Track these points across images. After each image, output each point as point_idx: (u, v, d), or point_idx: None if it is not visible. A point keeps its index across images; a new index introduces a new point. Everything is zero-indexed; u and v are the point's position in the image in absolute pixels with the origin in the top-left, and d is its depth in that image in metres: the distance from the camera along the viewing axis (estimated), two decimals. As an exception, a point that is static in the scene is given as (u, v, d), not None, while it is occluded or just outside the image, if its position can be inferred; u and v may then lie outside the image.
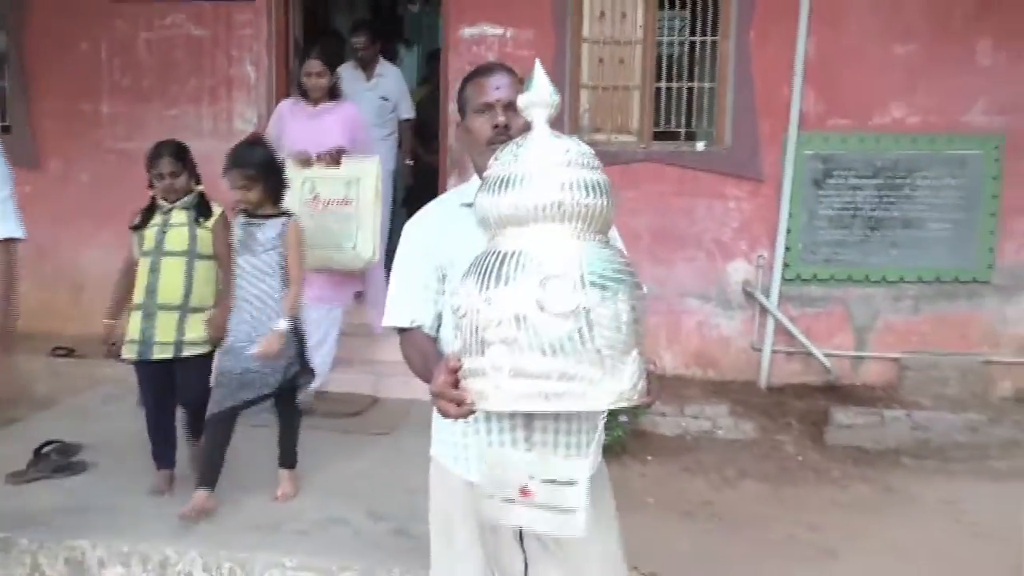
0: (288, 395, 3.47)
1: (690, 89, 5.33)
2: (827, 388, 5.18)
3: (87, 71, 5.65)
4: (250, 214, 3.40)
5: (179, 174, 3.39)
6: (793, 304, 5.26)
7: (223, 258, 3.44)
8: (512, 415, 1.83)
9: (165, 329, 3.35)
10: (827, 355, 5.20)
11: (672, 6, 5.34)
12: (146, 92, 5.60)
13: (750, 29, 5.12)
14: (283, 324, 3.28)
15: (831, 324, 5.26)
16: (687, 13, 5.34)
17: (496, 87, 1.87)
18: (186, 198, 3.43)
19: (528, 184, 1.58)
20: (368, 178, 4.39)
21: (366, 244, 4.38)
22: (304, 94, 4.62)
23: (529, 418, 1.83)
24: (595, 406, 1.53)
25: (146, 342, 3.34)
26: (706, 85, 5.33)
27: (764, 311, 5.23)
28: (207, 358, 3.42)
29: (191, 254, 3.39)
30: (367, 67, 5.71)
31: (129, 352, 3.38)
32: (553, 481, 1.60)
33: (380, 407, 4.80)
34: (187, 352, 3.36)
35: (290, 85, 5.65)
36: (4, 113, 5.97)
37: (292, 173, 4.01)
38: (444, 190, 5.42)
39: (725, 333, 5.34)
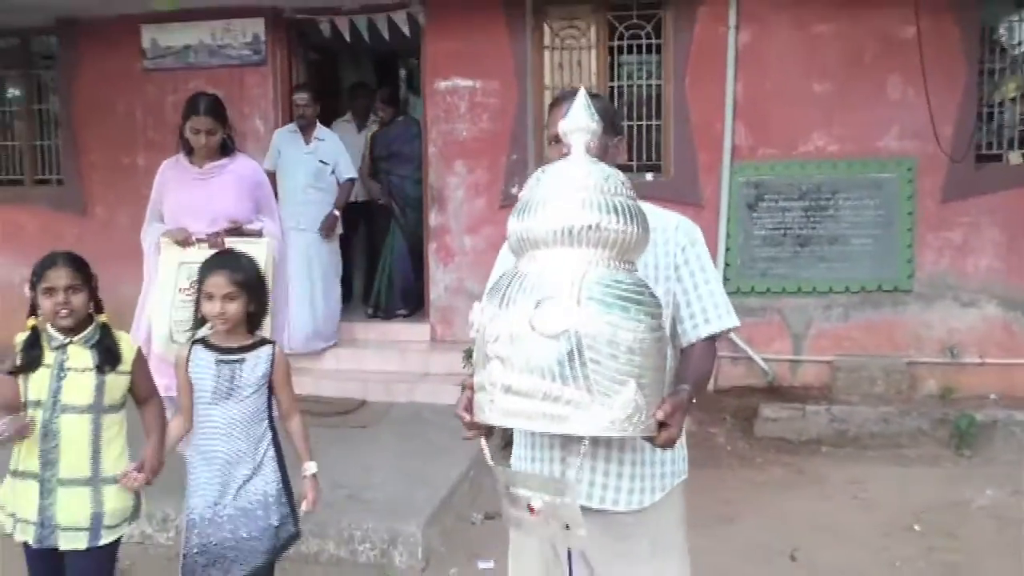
0: (272, 565, 2.78)
1: (639, 127, 6.05)
2: (767, 389, 5.77)
3: (125, 129, 6.59)
4: (214, 347, 2.68)
5: (78, 290, 2.54)
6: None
7: (146, 402, 2.74)
8: (548, 436, 1.92)
9: (72, 510, 2.53)
10: (766, 360, 5.80)
11: (621, 53, 6.08)
12: (174, 146, 6.49)
13: (686, 74, 5.82)
14: (313, 465, 2.81)
15: (770, 332, 5.86)
16: (634, 59, 6.08)
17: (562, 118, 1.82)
18: (86, 331, 2.57)
19: (543, 208, 1.62)
20: (259, 260, 3.38)
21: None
22: (189, 151, 3.99)
23: (566, 439, 1.88)
24: (578, 431, 1.53)
25: (46, 525, 2.52)
26: (653, 123, 6.04)
27: (710, 321, 5.85)
28: (116, 546, 2.67)
29: (97, 408, 2.56)
30: (306, 130, 5.98)
31: (24, 534, 2.56)
32: (551, 499, 1.63)
33: (366, 408, 5.56)
34: (104, 539, 2.57)
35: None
36: (58, 167, 6.96)
37: (167, 255, 3.85)
38: (428, 223, 6.22)
39: (676, 342, 5.98)
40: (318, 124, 6.05)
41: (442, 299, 6.19)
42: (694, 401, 1.78)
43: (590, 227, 1.57)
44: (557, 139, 1.89)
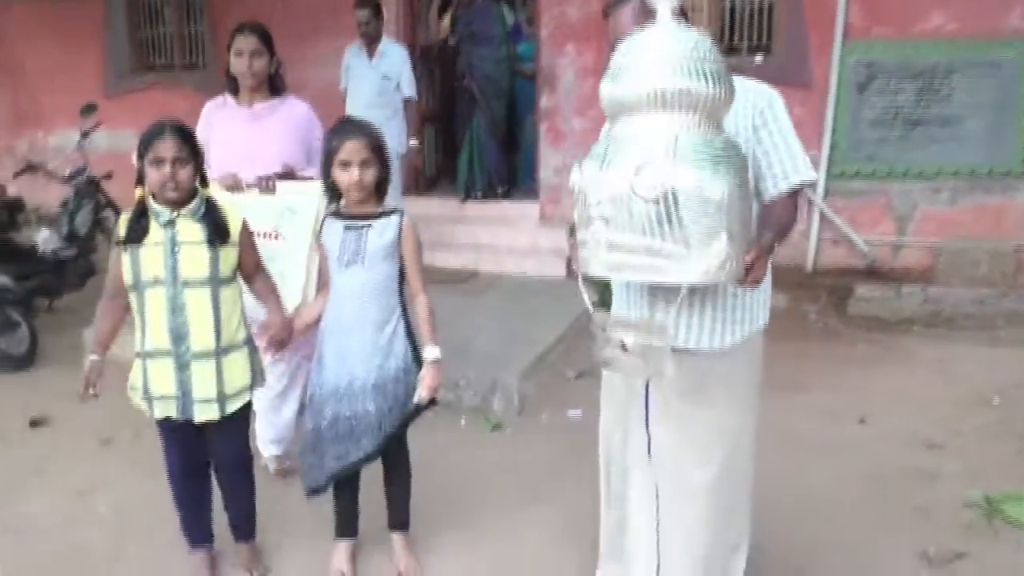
0: (401, 436, 2.79)
1: (751, 7, 6.03)
2: (867, 271, 5.86)
3: (260, 15, 7.03)
4: (344, 216, 2.67)
5: (185, 163, 2.50)
6: (839, 197, 5.94)
7: (254, 274, 2.76)
8: (638, 288, 2.15)
9: (204, 383, 2.60)
10: (868, 242, 5.86)
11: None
12: (308, 32, 6.96)
13: (800, -50, 5.73)
14: (436, 351, 2.69)
15: (874, 214, 5.90)
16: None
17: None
18: (192, 203, 2.55)
19: (636, 73, 1.72)
20: (306, 210, 3.24)
21: (289, 293, 3.13)
22: (234, 89, 3.48)
23: (652, 292, 2.11)
24: (678, 280, 1.72)
25: (186, 396, 2.59)
26: (765, 3, 6.01)
27: (812, 203, 5.95)
28: (247, 409, 2.74)
29: (215, 280, 2.58)
30: (370, 44, 5.83)
31: (165, 409, 2.62)
32: (643, 340, 1.83)
33: (478, 278, 6.04)
34: (230, 408, 2.65)
35: (416, 25, 6.87)
36: (202, 52, 7.59)
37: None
38: (539, 104, 6.49)
39: (778, 223, 6.11)
40: (384, 38, 5.91)
41: (551, 178, 6.50)
42: (774, 248, 1.96)
43: (682, 92, 1.67)
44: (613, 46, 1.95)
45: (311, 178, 3.35)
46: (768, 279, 2.22)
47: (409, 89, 5.85)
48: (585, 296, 1.99)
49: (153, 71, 7.96)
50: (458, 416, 4.17)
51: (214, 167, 3.30)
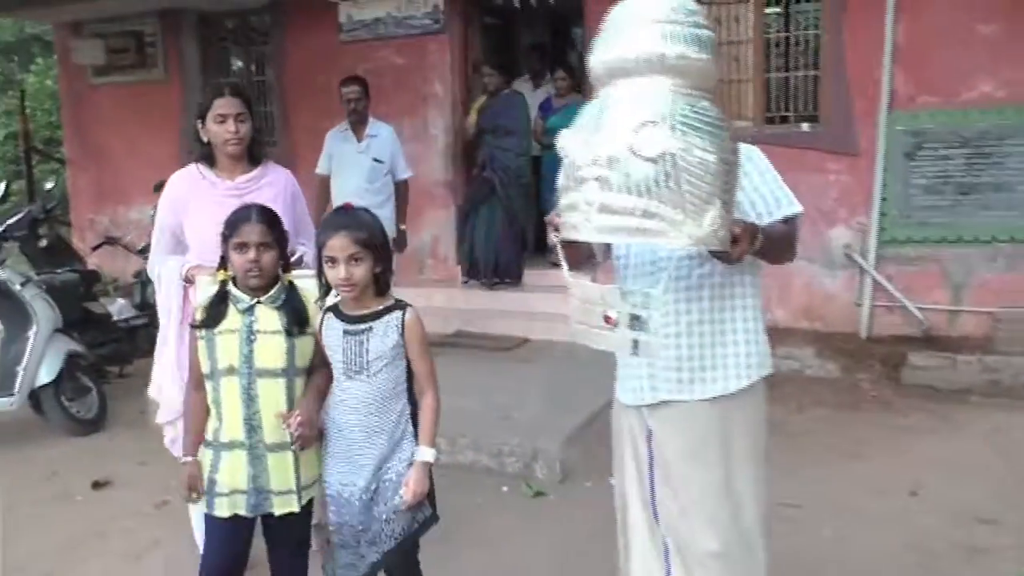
0: (410, 549, 2.52)
1: (797, 78, 6.13)
2: (922, 339, 5.76)
3: (324, 96, 7.45)
4: (343, 315, 2.42)
5: (270, 248, 2.44)
6: (891, 264, 5.89)
7: (319, 368, 2.53)
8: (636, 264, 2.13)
9: (281, 474, 2.47)
10: (923, 309, 5.78)
11: (778, 4, 6.16)
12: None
13: (844, 22, 5.82)
14: (429, 453, 2.42)
15: (927, 281, 5.83)
16: (791, 9, 6.14)
17: None
18: (273, 291, 2.46)
19: (628, 36, 1.72)
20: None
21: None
22: (209, 159, 3.07)
23: (648, 270, 2.11)
24: (673, 245, 1.69)
25: (260, 492, 2.47)
26: (811, 73, 6.10)
27: (864, 271, 5.92)
28: (311, 503, 2.59)
29: (290, 372, 2.46)
30: (357, 127, 5.52)
31: (232, 506, 2.48)
32: (631, 312, 1.79)
33: (528, 345, 6.14)
34: (306, 498, 2.53)
35: (468, 100, 7.13)
36: (273, 130, 7.99)
37: (207, 294, 2.60)
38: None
39: (829, 291, 6.09)
40: (371, 119, 5.66)
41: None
42: (760, 238, 1.87)
43: (676, 56, 1.68)
44: None
45: (300, 261, 2.93)
46: (761, 325, 2.20)
47: (403, 171, 5.65)
48: (564, 265, 1.96)
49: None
50: (500, 483, 4.22)
51: (194, 252, 3.03)
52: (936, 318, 5.80)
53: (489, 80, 6.57)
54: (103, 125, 8.78)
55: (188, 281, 3.04)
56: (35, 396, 5.01)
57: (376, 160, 5.51)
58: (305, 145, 7.64)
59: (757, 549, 2.22)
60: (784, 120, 6.22)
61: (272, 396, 2.45)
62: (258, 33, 8.14)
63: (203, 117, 3.02)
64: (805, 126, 6.09)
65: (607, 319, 1.81)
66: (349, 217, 2.40)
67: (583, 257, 2.28)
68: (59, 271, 5.64)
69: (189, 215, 3.04)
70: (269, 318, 2.46)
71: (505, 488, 4.18)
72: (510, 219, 6.61)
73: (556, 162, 6.31)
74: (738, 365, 2.14)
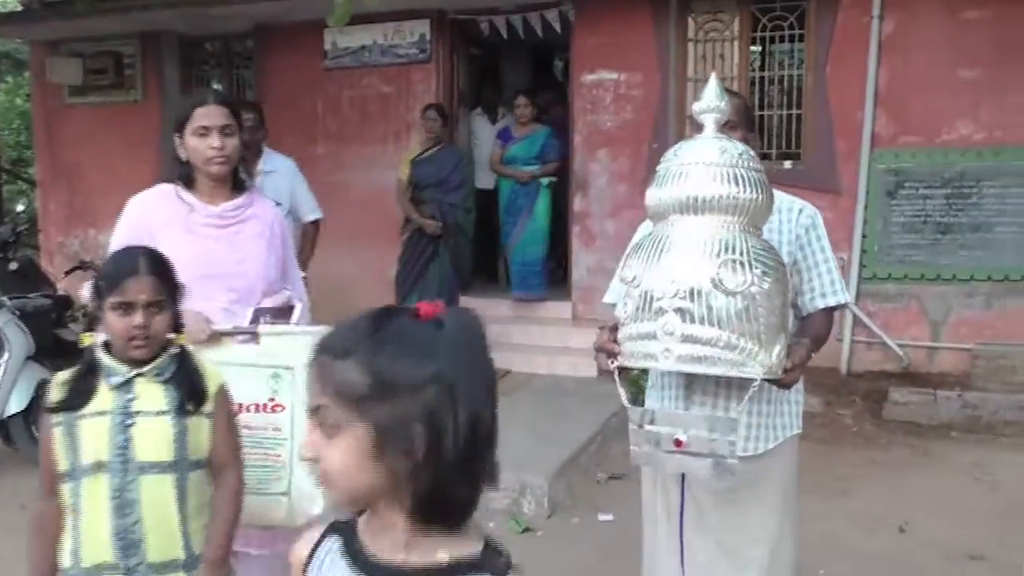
0: None
1: (780, 116, 6.21)
2: (902, 375, 5.82)
3: (308, 122, 7.42)
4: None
5: (163, 308, 1.89)
6: (871, 300, 5.96)
7: (226, 469, 1.97)
8: (675, 385, 2.17)
9: None
10: (903, 346, 5.85)
11: (763, 43, 6.26)
12: (348, 136, 7.27)
13: (827, 63, 5.93)
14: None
15: (907, 318, 5.90)
16: (775, 48, 6.24)
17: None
18: (159, 359, 1.90)
19: (697, 177, 1.82)
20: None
21: (310, 484, 2.16)
22: (187, 180, 2.49)
23: (689, 389, 2.14)
24: (750, 374, 1.78)
25: None
26: (794, 112, 6.19)
27: (845, 306, 5.97)
28: None
29: (181, 465, 1.88)
30: (249, 162, 3.83)
31: None
32: (704, 436, 1.83)
33: (509, 377, 6.09)
34: None
35: (455, 130, 7.14)
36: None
37: None
38: (572, 212, 6.65)
39: (811, 326, 6.13)
40: (266, 150, 4.79)
41: (584, 279, 6.62)
42: (810, 355, 2.07)
43: (732, 196, 1.80)
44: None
45: (289, 307, 2.49)
46: (800, 386, 2.27)
47: (310, 211, 4.79)
48: (623, 392, 1.98)
49: (203, 173, 8.29)
50: (487, 518, 4.15)
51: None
52: (916, 354, 5.87)
53: (432, 124, 6.22)
54: (77, 146, 8.63)
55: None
56: (4, 426, 4.84)
57: (274, 202, 3.95)
58: (286, 171, 7.61)
59: None
60: (766, 157, 6.28)
61: (158, 499, 1.85)
62: (240, 57, 8.09)
63: (181, 130, 2.45)
64: (787, 164, 6.17)
65: (677, 443, 1.84)
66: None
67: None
68: (31, 296, 5.48)
69: (157, 245, 2.13)
70: (152, 394, 1.87)
71: (492, 524, 4.11)
72: (459, 272, 6.45)
73: (513, 192, 6.15)
74: (776, 426, 2.22)
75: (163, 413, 1.86)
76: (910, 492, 4.40)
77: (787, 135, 6.22)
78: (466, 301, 6.88)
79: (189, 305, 2.07)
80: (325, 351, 1.04)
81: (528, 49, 8.70)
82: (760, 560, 2.18)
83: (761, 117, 6.25)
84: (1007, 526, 3.99)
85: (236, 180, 2.54)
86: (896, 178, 5.83)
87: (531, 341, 6.46)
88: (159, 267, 1.90)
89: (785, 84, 6.24)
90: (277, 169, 4.72)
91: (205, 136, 2.40)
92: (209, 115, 2.41)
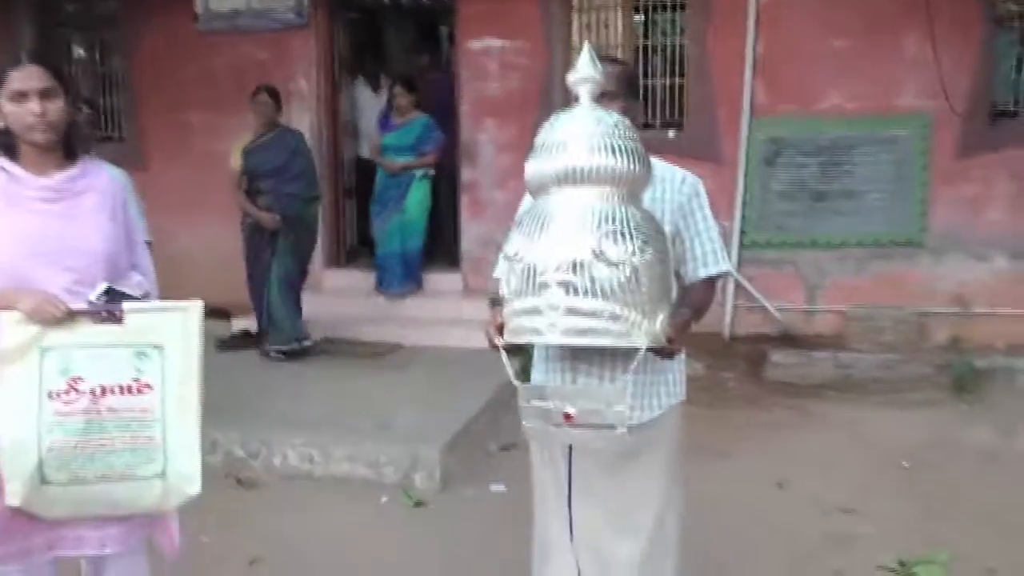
0: None
1: (664, 85, 6.28)
2: (781, 338, 6.03)
3: (180, 89, 7.04)
4: None
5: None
6: (751, 266, 6.14)
7: None
8: (560, 357, 2.16)
9: None
10: (781, 309, 6.06)
11: (648, 12, 6.30)
12: (224, 104, 6.93)
13: (707, 32, 6.02)
14: None
15: (785, 283, 6.11)
16: (659, 18, 6.30)
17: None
18: None
19: (575, 149, 1.82)
20: (179, 340, 2.23)
21: (186, 464, 2.23)
22: (9, 150, 2.26)
23: (575, 360, 2.14)
24: (635, 344, 1.79)
25: None
26: (677, 81, 6.27)
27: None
28: None
29: None
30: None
31: None
32: (593, 408, 1.84)
33: (401, 351, 6.00)
34: None
35: (335, 98, 6.93)
36: (119, 125, 7.47)
37: (14, 338, 2.11)
38: (461, 178, 6.56)
39: (695, 292, 6.27)
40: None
41: (473, 251, 6.56)
42: (692, 323, 2.10)
43: (610, 167, 1.79)
44: None
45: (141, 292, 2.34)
46: (683, 355, 2.28)
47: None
48: (509, 368, 1.96)
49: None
50: (379, 493, 4.09)
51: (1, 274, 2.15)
52: (793, 317, 6.09)
53: (263, 108, 5.72)
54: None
55: None
56: None
57: None
58: (156, 141, 7.23)
59: (672, 563, 2.27)
60: (649, 127, 6.35)
61: None
62: (102, 20, 7.58)
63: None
64: (671, 133, 6.25)
65: (567, 416, 1.84)
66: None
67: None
68: None
69: None
70: None
71: (384, 499, 4.04)
72: (301, 269, 5.90)
73: (384, 183, 6.08)
74: (661, 394, 2.22)
75: None
76: (788, 451, 4.56)
77: (671, 104, 6.30)
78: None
79: (30, 280, 2.06)
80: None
81: (411, 14, 8.51)
82: (647, 527, 2.20)
83: (646, 86, 6.30)
84: (876, 479, 4.21)
85: (68, 148, 2.32)
86: (774, 146, 5.99)
87: (421, 313, 6.37)
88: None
89: (669, 53, 6.30)
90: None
91: (24, 101, 2.18)
92: (25, 77, 2.18)
